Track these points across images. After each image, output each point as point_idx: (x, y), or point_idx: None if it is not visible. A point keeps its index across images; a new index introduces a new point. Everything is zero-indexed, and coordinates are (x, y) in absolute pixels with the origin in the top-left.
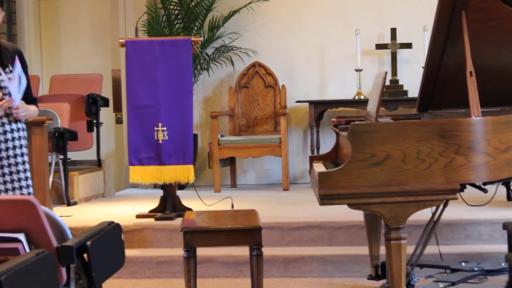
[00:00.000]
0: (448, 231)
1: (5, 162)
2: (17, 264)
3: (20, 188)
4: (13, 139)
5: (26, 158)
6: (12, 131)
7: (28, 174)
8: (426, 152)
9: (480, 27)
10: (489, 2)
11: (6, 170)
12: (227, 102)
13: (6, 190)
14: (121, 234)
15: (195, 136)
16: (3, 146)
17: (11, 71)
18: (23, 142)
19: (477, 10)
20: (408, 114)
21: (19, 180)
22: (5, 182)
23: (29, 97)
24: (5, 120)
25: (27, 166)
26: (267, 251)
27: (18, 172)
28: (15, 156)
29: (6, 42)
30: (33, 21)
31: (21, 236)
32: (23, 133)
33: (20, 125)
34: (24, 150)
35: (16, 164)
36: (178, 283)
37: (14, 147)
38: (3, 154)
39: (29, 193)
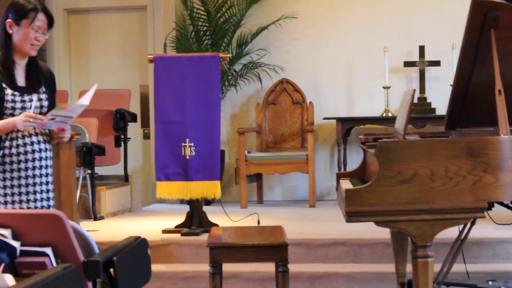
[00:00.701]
0: (476, 250)
1: (30, 180)
2: (44, 278)
3: (41, 200)
4: (40, 159)
5: (50, 178)
6: (40, 151)
7: (50, 187)
8: (454, 170)
9: (509, 45)
10: None
11: (31, 189)
12: (254, 118)
13: (28, 201)
14: (147, 249)
15: (222, 152)
16: (30, 165)
17: (44, 92)
18: (49, 162)
19: (506, 28)
20: (436, 132)
21: (41, 192)
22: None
23: None
24: (34, 139)
25: (50, 183)
26: (293, 267)
27: (41, 184)
28: (41, 176)
29: (41, 63)
30: (62, 35)
31: (48, 250)
32: (50, 154)
33: (48, 146)
34: (49, 170)
35: (41, 184)
36: None
37: (41, 167)
38: (29, 172)
39: (49, 206)
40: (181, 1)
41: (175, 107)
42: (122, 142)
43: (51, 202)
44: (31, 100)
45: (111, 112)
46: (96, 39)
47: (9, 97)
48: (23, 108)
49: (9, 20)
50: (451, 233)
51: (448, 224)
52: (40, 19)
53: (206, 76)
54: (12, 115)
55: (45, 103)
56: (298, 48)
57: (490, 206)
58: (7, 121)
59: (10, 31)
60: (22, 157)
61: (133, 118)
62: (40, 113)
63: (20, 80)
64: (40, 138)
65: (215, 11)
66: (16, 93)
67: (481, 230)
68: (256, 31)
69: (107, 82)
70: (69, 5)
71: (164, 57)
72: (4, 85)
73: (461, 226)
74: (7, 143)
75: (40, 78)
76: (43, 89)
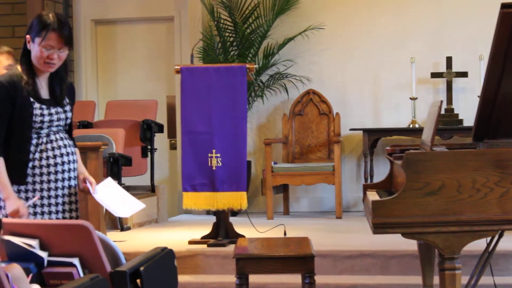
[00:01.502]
0: (504, 262)
1: (59, 192)
2: None
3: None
4: (69, 170)
5: (74, 190)
6: (69, 162)
7: (75, 198)
8: (481, 182)
9: None
10: None
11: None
12: (281, 129)
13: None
14: (174, 260)
15: (249, 163)
16: (59, 176)
17: (68, 103)
18: (75, 174)
19: None
20: (463, 143)
21: (70, 203)
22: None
23: (71, 131)
24: (63, 150)
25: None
26: (319, 279)
27: (69, 195)
28: (69, 187)
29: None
30: (90, 46)
31: (76, 261)
32: (76, 165)
33: (75, 157)
34: (74, 182)
35: (69, 195)
36: None
37: (69, 178)
38: (59, 184)
39: (77, 216)
40: (208, 12)
41: (201, 118)
42: (149, 153)
43: (77, 213)
44: (57, 113)
45: (138, 122)
46: (123, 49)
47: (37, 111)
48: (51, 121)
49: (27, 36)
50: (478, 245)
51: (476, 236)
52: (51, 38)
53: (232, 86)
54: (41, 128)
55: (69, 114)
56: (324, 59)
57: None
58: (5, 185)
59: (29, 48)
60: (52, 169)
61: (160, 128)
62: (65, 125)
63: (44, 93)
64: (69, 150)
65: (242, 22)
66: (44, 106)
67: (509, 242)
68: (283, 42)
69: (134, 93)
70: (96, 16)
71: (191, 68)
72: (32, 99)
73: (488, 238)
74: (37, 155)
75: (64, 90)
76: (67, 100)
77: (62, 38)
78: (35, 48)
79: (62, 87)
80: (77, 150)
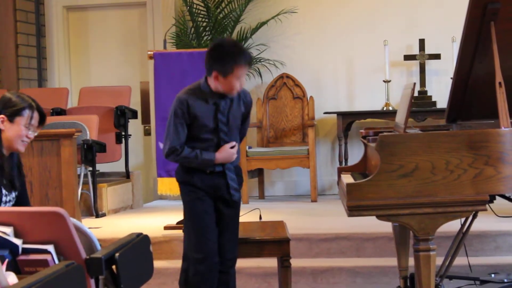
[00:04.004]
0: (478, 243)
1: None
2: (46, 276)
3: None
4: None
5: None
6: None
7: None
8: (455, 163)
9: (510, 37)
10: None
11: None
12: (255, 113)
13: None
14: (149, 246)
15: None
16: None
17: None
18: None
19: (506, 21)
20: (436, 125)
21: None
22: None
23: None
24: None
25: None
26: (295, 262)
27: None
28: None
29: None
30: (62, 33)
31: (51, 248)
32: None
33: None
34: None
35: None
36: None
37: None
38: None
39: None
40: None
41: None
42: (123, 139)
43: None
44: (6, 195)
45: (112, 109)
46: (96, 36)
47: (3, 198)
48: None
49: (1, 116)
50: (453, 226)
51: (450, 217)
52: (35, 118)
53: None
54: None
55: (13, 199)
56: (298, 43)
57: (492, 199)
58: None
59: (2, 127)
60: None
61: (134, 114)
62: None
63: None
64: None
65: (215, 6)
66: (6, 192)
67: (483, 223)
68: (256, 26)
69: (107, 79)
70: (68, 2)
71: (164, 53)
72: (1, 188)
73: (463, 219)
74: None
75: (15, 174)
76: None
77: (42, 118)
78: (14, 128)
79: (16, 171)
80: None
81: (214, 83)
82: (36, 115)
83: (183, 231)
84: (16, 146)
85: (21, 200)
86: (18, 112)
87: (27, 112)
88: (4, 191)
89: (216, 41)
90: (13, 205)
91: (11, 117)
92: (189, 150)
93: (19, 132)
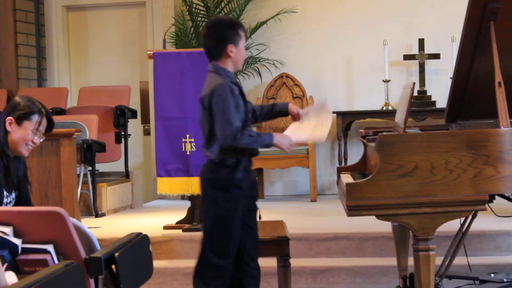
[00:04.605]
0: (477, 242)
1: None
2: (46, 276)
3: None
4: None
5: None
6: None
7: None
8: (454, 163)
9: (509, 37)
10: None
11: None
12: None
13: None
14: (149, 245)
15: None
16: None
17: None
18: None
19: (506, 20)
20: (436, 124)
21: None
22: None
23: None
24: None
25: None
26: (294, 262)
27: None
28: None
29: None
30: (61, 32)
31: (50, 248)
32: None
33: None
34: None
35: None
36: None
37: None
38: None
39: None
40: None
41: (175, 103)
42: (123, 139)
43: None
44: (7, 197)
45: (111, 108)
46: (95, 35)
47: (4, 200)
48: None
49: (10, 117)
50: (452, 226)
51: (449, 217)
52: (43, 124)
53: (205, 71)
54: None
55: (14, 200)
56: (297, 42)
57: (491, 198)
58: None
59: (9, 129)
60: None
61: (133, 114)
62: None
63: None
64: None
65: (214, 6)
66: (7, 193)
67: (483, 222)
68: (256, 26)
69: (107, 79)
70: (67, 2)
71: (164, 53)
72: (3, 189)
73: (462, 219)
74: None
75: (17, 174)
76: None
77: (50, 125)
78: (20, 131)
79: (16, 172)
80: None
81: (230, 61)
82: (44, 121)
83: (202, 231)
84: (20, 150)
85: (24, 205)
86: (27, 116)
87: (36, 117)
88: (5, 193)
89: (212, 21)
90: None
91: (19, 120)
92: (249, 129)
93: (25, 136)
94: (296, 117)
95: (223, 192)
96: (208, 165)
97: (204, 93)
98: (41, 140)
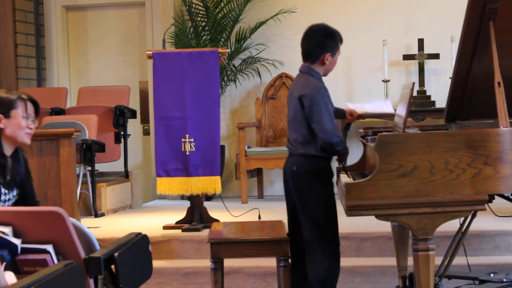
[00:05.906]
0: (477, 242)
1: None
2: (45, 275)
3: None
4: None
5: None
6: None
7: None
8: (454, 163)
9: (509, 37)
10: None
11: None
12: (254, 113)
13: None
14: (148, 245)
15: (222, 147)
16: None
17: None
18: None
19: (505, 20)
20: (435, 124)
21: None
22: None
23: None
24: None
25: None
26: None
27: None
28: None
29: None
30: (61, 32)
31: (50, 247)
32: None
33: None
34: None
35: None
36: None
37: None
38: None
39: None
40: None
41: (174, 103)
42: (122, 139)
43: None
44: (5, 194)
45: (111, 108)
46: (95, 35)
47: (1, 197)
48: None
49: None
50: (452, 226)
51: (449, 217)
52: (29, 107)
53: (205, 71)
54: None
55: (14, 198)
56: (297, 42)
57: (491, 198)
58: None
59: (1, 126)
60: None
61: (133, 114)
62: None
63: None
64: None
65: (214, 6)
66: (5, 190)
67: (482, 222)
68: (255, 26)
69: (106, 79)
70: (67, 2)
71: (163, 53)
72: (1, 186)
73: (462, 219)
74: None
75: (17, 170)
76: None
77: (36, 107)
78: (13, 122)
79: (17, 168)
80: None
81: (322, 68)
82: (30, 105)
83: (314, 233)
84: (21, 139)
85: (28, 200)
86: (11, 106)
87: (19, 103)
88: (3, 190)
89: (318, 26)
90: (16, 204)
91: (6, 113)
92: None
93: (19, 124)
94: (353, 114)
95: (328, 183)
96: (306, 160)
97: (301, 92)
98: (36, 124)
